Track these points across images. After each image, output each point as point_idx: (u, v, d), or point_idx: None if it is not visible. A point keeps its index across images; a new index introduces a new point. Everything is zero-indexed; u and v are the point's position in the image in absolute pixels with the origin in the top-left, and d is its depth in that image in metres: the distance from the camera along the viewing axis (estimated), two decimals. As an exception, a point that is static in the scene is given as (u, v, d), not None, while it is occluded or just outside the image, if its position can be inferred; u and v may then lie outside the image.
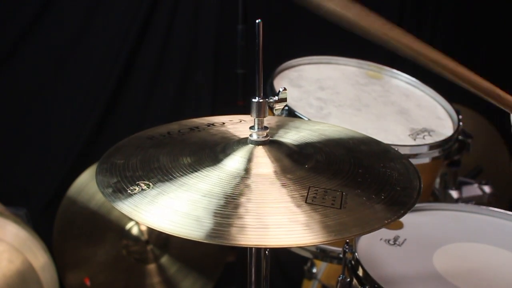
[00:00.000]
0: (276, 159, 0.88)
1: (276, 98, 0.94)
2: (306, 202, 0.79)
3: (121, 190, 0.82)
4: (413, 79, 1.75)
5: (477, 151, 1.62)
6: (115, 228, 2.03)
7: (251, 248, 0.94)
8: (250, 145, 0.91)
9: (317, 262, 1.78)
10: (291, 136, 1.01)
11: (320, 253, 1.49)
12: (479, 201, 1.70)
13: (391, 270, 1.12)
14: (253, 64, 0.89)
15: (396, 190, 0.85)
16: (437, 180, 1.67)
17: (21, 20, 2.22)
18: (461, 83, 0.99)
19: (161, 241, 2.08)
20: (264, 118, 0.91)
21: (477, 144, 1.58)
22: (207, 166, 0.87)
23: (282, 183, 0.83)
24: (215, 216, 0.76)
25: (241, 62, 2.03)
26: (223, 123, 1.07)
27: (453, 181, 1.67)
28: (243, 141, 0.92)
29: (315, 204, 0.79)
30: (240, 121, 1.08)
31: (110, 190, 0.83)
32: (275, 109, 0.95)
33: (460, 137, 1.53)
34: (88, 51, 2.31)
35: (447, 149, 1.47)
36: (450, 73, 0.89)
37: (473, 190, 1.73)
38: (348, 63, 1.80)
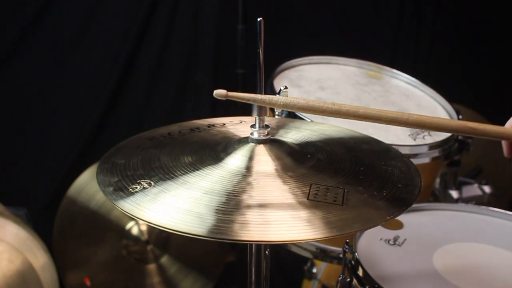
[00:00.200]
0: (277, 157, 0.88)
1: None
2: (308, 199, 0.79)
3: (122, 189, 0.82)
4: (413, 79, 1.75)
5: (477, 151, 1.62)
6: (115, 228, 2.03)
7: (251, 248, 0.94)
8: (251, 144, 0.91)
9: (317, 262, 1.78)
10: (292, 135, 1.01)
11: (320, 253, 1.49)
12: (479, 201, 1.70)
13: (391, 270, 1.12)
14: (253, 64, 0.89)
15: (398, 187, 0.86)
16: (437, 180, 1.67)
17: (21, 20, 2.22)
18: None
19: (161, 241, 2.08)
20: (265, 117, 0.91)
21: (477, 144, 1.58)
22: (209, 165, 0.87)
23: (283, 181, 0.84)
24: (217, 212, 0.76)
25: (241, 62, 2.04)
26: (224, 124, 1.08)
27: (453, 181, 1.67)
28: (244, 140, 0.92)
29: (317, 201, 0.79)
30: (241, 122, 1.09)
31: (111, 189, 0.83)
32: (276, 109, 0.95)
33: (460, 137, 1.53)
34: (88, 51, 2.31)
35: (447, 149, 1.47)
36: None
37: (473, 190, 1.73)
38: (348, 63, 1.80)
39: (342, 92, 1.62)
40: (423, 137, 1.46)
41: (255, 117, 0.91)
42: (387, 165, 0.92)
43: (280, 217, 0.76)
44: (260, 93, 0.90)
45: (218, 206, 0.77)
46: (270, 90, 1.51)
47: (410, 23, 2.57)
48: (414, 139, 1.44)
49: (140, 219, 0.76)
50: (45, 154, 2.38)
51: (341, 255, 1.26)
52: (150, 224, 0.76)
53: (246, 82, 2.06)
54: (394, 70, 1.79)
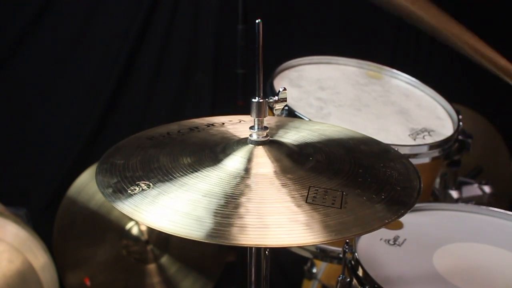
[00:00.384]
0: (276, 159, 0.88)
1: (276, 98, 0.94)
2: (306, 201, 0.79)
3: (121, 190, 0.82)
4: (413, 79, 1.75)
5: (477, 151, 1.62)
6: (115, 228, 2.03)
7: (251, 248, 0.94)
8: (250, 145, 0.91)
9: (317, 262, 1.78)
10: (291, 136, 1.01)
11: (320, 253, 1.49)
12: (479, 201, 1.70)
13: (391, 270, 1.12)
14: (253, 64, 0.89)
15: (396, 190, 0.86)
16: (437, 180, 1.67)
17: (21, 20, 2.22)
18: (481, 60, 0.96)
19: (161, 241, 2.08)
20: (264, 118, 0.91)
21: (477, 144, 1.58)
22: (207, 166, 0.87)
23: (282, 183, 0.83)
24: (216, 216, 0.76)
25: (241, 62, 2.03)
26: (223, 124, 1.07)
27: (453, 181, 1.67)
28: (243, 141, 0.92)
29: (315, 204, 0.79)
30: (240, 122, 1.08)
31: (110, 190, 0.83)
32: (275, 109, 0.95)
33: (460, 137, 1.53)
34: (88, 51, 2.31)
35: (447, 149, 1.47)
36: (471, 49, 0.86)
37: (473, 190, 1.73)
38: (348, 63, 1.80)
39: (342, 92, 1.62)
40: (423, 137, 1.46)
41: (254, 119, 0.91)
42: (386, 167, 0.92)
43: (279, 221, 0.76)
44: (259, 94, 0.90)
45: (216, 209, 0.77)
46: (270, 90, 1.51)
47: (410, 23, 2.56)
48: (414, 139, 1.44)
49: (139, 221, 0.76)
50: (45, 154, 2.38)
51: (341, 255, 1.26)
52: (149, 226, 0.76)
53: (246, 82, 2.05)
54: (394, 70, 1.79)
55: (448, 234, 1.25)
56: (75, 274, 2.02)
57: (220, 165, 0.87)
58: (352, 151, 0.97)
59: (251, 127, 0.92)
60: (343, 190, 0.83)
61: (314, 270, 1.79)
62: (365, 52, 1.75)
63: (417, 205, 1.33)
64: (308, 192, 0.81)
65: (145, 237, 2.05)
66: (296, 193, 0.81)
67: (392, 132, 1.46)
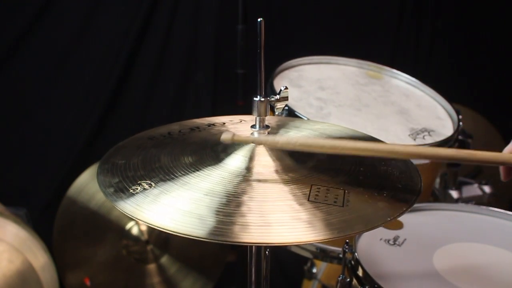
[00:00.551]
0: (277, 158, 0.88)
1: (277, 97, 0.94)
2: (308, 200, 0.79)
3: (123, 190, 0.82)
4: (413, 79, 1.75)
5: (477, 151, 1.62)
6: (115, 228, 2.03)
7: (251, 248, 0.94)
8: (252, 144, 0.91)
9: (317, 262, 1.78)
10: (292, 135, 1.01)
11: (320, 253, 1.49)
12: (479, 201, 1.70)
13: (391, 270, 1.12)
14: (253, 64, 0.89)
15: (398, 188, 0.86)
16: (437, 180, 1.67)
17: (21, 20, 2.22)
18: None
19: (161, 241, 2.08)
20: (265, 118, 0.91)
21: (477, 144, 1.58)
22: (209, 165, 0.87)
23: (284, 182, 0.84)
24: (218, 214, 0.76)
25: (241, 62, 2.04)
26: (224, 123, 1.07)
27: (453, 181, 1.67)
28: (245, 140, 0.92)
29: (317, 202, 0.79)
30: (241, 121, 1.08)
31: (111, 190, 0.83)
32: (276, 108, 0.95)
33: (460, 137, 1.53)
34: (88, 51, 2.31)
35: (447, 149, 1.47)
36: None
37: (473, 190, 1.73)
38: (348, 63, 1.80)
39: (342, 92, 1.62)
40: (423, 137, 1.46)
41: (256, 117, 0.91)
42: (387, 165, 0.92)
43: (281, 219, 0.76)
44: (261, 92, 0.90)
45: (218, 208, 0.77)
46: (270, 90, 1.51)
47: (410, 23, 2.57)
48: (414, 139, 1.44)
49: (141, 220, 0.76)
50: (45, 154, 2.38)
51: (341, 255, 1.26)
52: (151, 226, 0.76)
53: (246, 82, 2.06)
54: (394, 70, 1.79)
55: (448, 234, 1.25)
56: (75, 274, 2.02)
57: (221, 164, 0.87)
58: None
59: (253, 126, 0.92)
60: (345, 188, 0.83)
61: (314, 270, 1.79)
62: (365, 52, 1.75)
63: (417, 205, 1.34)
64: (310, 191, 0.81)
65: (145, 237, 2.05)
66: (298, 191, 0.81)
67: (392, 132, 1.46)
